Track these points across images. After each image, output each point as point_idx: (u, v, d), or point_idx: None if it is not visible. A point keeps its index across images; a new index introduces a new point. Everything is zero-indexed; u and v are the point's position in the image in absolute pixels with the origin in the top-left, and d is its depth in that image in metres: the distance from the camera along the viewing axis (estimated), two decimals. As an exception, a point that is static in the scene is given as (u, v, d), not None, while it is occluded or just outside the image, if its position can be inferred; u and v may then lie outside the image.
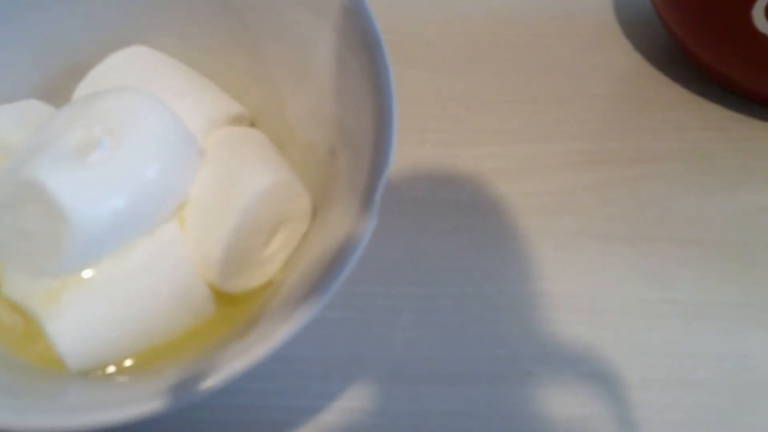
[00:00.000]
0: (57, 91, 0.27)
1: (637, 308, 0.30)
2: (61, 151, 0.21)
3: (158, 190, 0.21)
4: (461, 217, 0.32)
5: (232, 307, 0.23)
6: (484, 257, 0.31)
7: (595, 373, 0.28)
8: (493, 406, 0.27)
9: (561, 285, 0.30)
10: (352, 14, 0.21)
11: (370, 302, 0.29)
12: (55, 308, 0.20)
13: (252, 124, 0.27)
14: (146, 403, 0.18)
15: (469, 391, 0.27)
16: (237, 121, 0.26)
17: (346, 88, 0.23)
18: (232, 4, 0.25)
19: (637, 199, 0.33)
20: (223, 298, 0.23)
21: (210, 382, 0.18)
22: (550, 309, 0.30)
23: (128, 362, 0.21)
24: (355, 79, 0.22)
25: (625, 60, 0.39)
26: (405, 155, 0.33)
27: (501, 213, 0.32)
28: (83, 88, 0.26)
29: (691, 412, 0.27)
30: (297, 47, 0.25)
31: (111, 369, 0.21)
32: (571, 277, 0.30)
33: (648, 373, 0.28)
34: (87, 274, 0.21)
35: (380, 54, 0.20)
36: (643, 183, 0.34)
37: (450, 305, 0.29)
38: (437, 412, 0.26)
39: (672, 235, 0.32)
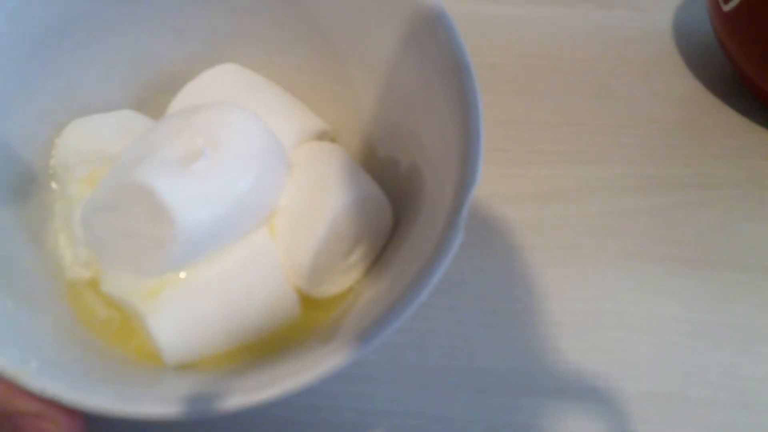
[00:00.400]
0: (149, 102, 0.28)
1: (698, 330, 0.30)
2: (166, 158, 0.22)
3: (253, 199, 0.22)
4: (523, 235, 0.32)
5: (315, 311, 0.24)
6: (546, 274, 0.31)
7: (656, 391, 0.28)
8: (557, 419, 0.27)
9: (622, 305, 0.31)
10: (442, 40, 0.22)
11: (436, 314, 0.30)
12: (155, 305, 0.21)
13: (333, 140, 0.28)
14: (236, 398, 0.18)
15: (532, 403, 0.27)
16: (321, 137, 0.27)
17: (431, 108, 0.23)
18: (320, 25, 0.26)
19: (697, 224, 0.34)
20: (308, 303, 0.24)
21: (294, 384, 0.18)
22: (611, 327, 0.30)
23: (218, 359, 0.22)
24: (441, 101, 0.22)
25: (684, 87, 0.39)
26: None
27: (561, 233, 0.33)
28: (178, 102, 0.27)
29: (752, 432, 0.27)
30: (382, 68, 0.25)
31: (202, 365, 0.22)
32: (631, 297, 0.31)
33: (710, 394, 0.28)
34: (184, 274, 0.22)
35: (469, 77, 0.21)
36: (703, 209, 0.34)
37: (513, 320, 0.30)
38: (503, 423, 0.27)
39: (732, 260, 0.32)
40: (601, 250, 0.32)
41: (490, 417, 0.27)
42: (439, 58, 0.22)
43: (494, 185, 0.34)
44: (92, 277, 0.24)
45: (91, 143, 0.25)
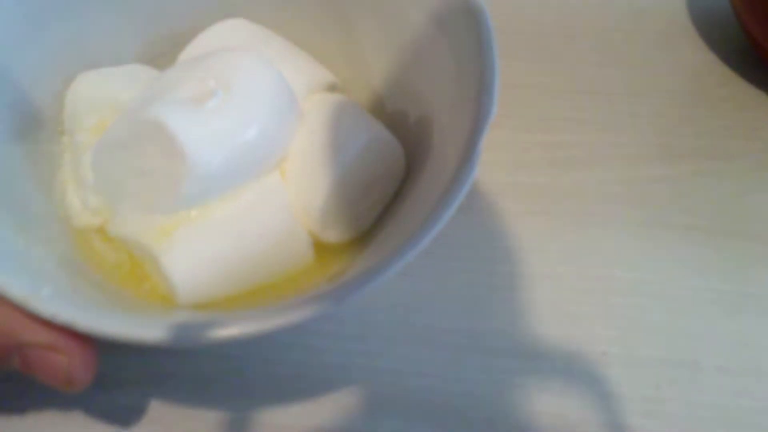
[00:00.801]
0: (158, 58, 0.29)
1: (712, 299, 0.30)
2: (178, 98, 0.22)
3: (264, 140, 0.23)
4: (535, 200, 0.33)
5: (328, 256, 0.25)
6: (559, 240, 0.32)
7: (669, 358, 0.28)
8: (569, 382, 0.27)
9: (636, 272, 0.31)
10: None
11: (448, 276, 0.30)
12: (168, 243, 0.22)
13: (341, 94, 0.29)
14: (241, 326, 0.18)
15: (544, 366, 0.28)
16: (331, 89, 0.28)
17: (443, 55, 0.24)
18: None
19: (712, 194, 0.34)
20: (321, 248, 0.25)
21: (294, 318, 0.19)
22: (625, 294, 0.30)
23: (231, 302, 0.23)
24: (454, 45, 0.23)
25: (698, 58, 0.40)
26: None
27: (575, 199, 0.33)
28: (187, 53, 0.27)
29: (764, 400, 0.28)
30: (390, 21, 0.26)
31: (214, 307, 0.23)
32: (646, 264, 0.31)
33: (722, 362, 0.29)
34: (197, 213, 0.22)
35: (483, 15, 0.22)
36: (717, 179, 0.34)
37: (525, 284, 0.30)
38: (513, 384, 0.27)
39: (746, 230, 0.33)
40: (614, 217, 0.33)
41: (500, 379, 0.27)
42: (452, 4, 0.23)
43: (508, 151, 0.34)
44: (101, 225, 0.25)
45: (101, 91, 0.26)
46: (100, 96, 0.25)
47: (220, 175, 0.22)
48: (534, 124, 0.36)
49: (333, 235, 0.25)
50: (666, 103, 0.37)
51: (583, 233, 0.32)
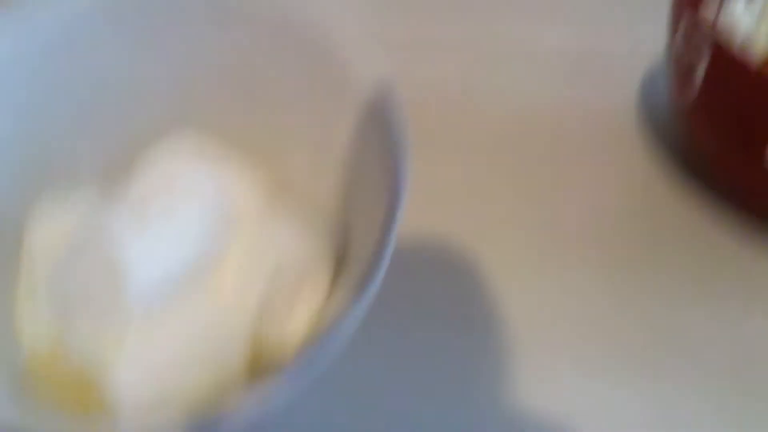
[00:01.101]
0: (116, 170, 0.31)
1: (636, 425, 0.31)
2: (120, 218, 0.25)
3: (199, 253, 0.26)
4: (467, 315, 0.34)
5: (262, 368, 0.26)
6: (491, 362, 0.33)
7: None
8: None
9: (567, 406, 0.32)
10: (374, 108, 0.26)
11: (403, 388, 0.32)
12: (111, 355, 0.24)
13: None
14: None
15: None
16: (266, 200, 0.30)
17: (361, 167, 0.28)
18: (258, 102, 0.32)
19: (645, 314, 0.35)
20: (255, 356, 0.26)
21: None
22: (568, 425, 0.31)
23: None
24: (370, 157, 0.27)
25: (644, 167, 0.41)
26: (420, 236, 0.36)
27: (516, 316, 0.34)
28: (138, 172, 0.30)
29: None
30: (317, 141, 0.31)
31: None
32: (581, 390, 0.32)
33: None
34: (140, 327, 0.25)
35: (399, 128, 0.25)
36: (652, 297, 0.36)
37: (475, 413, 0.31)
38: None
39: (677, 354, 0.34)
40: (546, 341, 0.34)
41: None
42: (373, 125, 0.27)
43: (439, 260, 0.36)
44: (52, 352, 0.27)
45: (58, 227, 0.28)
46: (57, 231, 0.28)
47: (158, 289, 0.25)
48: (469, 228, 0.37)
49: (272, 340, 0.26)
50: (608, 214, 0.39)
51: (520, 356, 0.33)
